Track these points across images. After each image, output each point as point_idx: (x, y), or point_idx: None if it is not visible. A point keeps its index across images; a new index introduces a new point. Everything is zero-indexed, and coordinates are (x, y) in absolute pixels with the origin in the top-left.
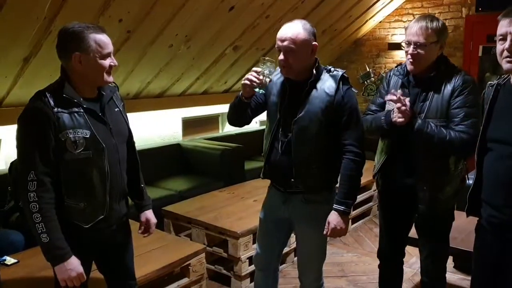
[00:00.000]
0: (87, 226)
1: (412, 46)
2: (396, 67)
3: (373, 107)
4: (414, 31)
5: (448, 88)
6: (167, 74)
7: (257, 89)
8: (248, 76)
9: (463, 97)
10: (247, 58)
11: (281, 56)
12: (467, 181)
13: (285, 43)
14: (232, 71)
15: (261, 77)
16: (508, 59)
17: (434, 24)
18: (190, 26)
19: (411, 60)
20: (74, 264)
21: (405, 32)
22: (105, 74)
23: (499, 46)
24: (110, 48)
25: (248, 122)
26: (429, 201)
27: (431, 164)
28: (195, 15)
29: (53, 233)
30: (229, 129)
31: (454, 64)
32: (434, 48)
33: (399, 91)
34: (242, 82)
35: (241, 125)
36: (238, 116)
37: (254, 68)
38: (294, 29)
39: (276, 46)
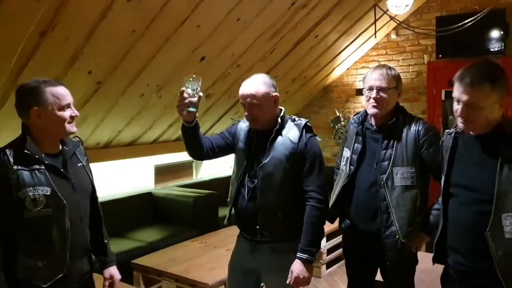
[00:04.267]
0: (45, 286)
1: (375, 90)
2: (354, 115)
3: (340, 163)
4: (376, 77)
5: (410, 136)
6: (138, 123)
7: (190, 109)
8: (179, 101)
9: (435, 146)
10: (219, 105)
11: (247, 112)
12: None
13: (248, 99)
14: (205, 118)
15: (185, 95)
16: (461, 120)
17: (392, 71)
18: (161, 76)
19: (374, 104)
20: None
21: (364, 81)
22: (66, 125)
23: (454, 106)
24: (68, 99)
25: (208, 157)
26: (398, 248)
27: (402, 214)
28: (166, 66)
29: None
30: (202, 175)
31: (410, 113)
32: (394, 93)
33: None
34: (177, 109)
35: (198, 156)
36: (189, 144)
37: (180, 89)
38: (254, 85)
39: (240, 102)
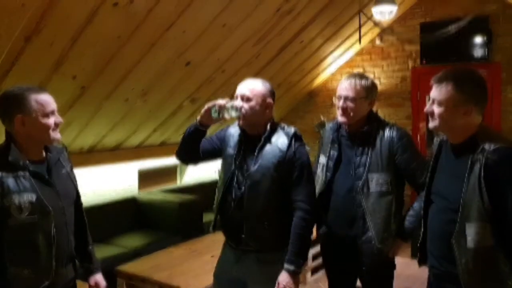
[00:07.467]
0: None
1: (342, 100)
2: (330, 122)
3: (316, 169)
4: (344, 87)
5: (385, 142)
6: (123, 127)
7: (215, 115)
8: (215, 102)
9: (409, 152)
10: None
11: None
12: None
13: (242, 91)
14: (190, 122)
15: (228, 104)
16: (430, 119)
17: (363, 81)
18: (146, 80)
19: (341, 113)
20: None
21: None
22: (51, 132)
23: None
24: (52, 106)
25: (197, 161)
26: (374, 253)
27: (378, 220)
28: (151, 70)
29: None
30: (187, 180)
31: (384, 119)
32: (363, 103)
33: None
34: (206, 106)
35: (189, 160)
36: (189, 147)
37: (232, 99)
38: (254, 82)
39: (235, 95)
